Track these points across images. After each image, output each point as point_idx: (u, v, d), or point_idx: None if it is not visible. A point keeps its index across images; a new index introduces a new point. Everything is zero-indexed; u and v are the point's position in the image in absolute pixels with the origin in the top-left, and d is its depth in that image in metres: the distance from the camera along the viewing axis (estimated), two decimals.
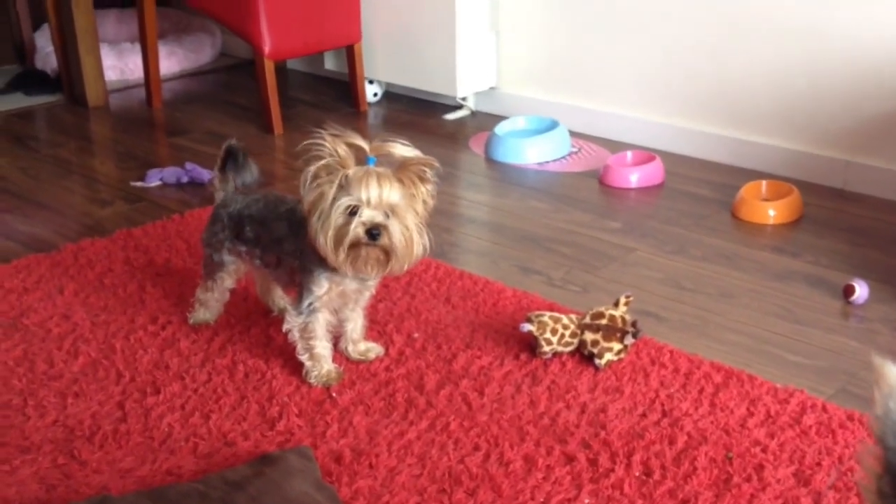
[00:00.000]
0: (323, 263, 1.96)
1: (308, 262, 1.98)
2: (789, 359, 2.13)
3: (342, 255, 1.90)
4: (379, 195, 1.87)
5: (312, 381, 2.04)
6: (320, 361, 2.04)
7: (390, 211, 1.89)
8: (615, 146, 3.37)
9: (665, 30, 3.29)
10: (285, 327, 2.05)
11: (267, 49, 3.61)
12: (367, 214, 1.87)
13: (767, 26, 3.06)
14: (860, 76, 2.90)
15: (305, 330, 2.03)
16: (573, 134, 3.44)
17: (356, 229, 1.87)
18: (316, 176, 1.92)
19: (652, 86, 3.37)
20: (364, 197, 1.87)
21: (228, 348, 2.19)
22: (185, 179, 3.23)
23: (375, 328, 2.25)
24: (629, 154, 3.24)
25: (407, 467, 1.78)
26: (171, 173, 3.24)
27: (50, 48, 4.27)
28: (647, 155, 3.20)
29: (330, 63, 4.20)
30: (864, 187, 2.94)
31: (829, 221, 2.78)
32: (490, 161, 3.37)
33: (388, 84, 4.06)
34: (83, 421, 1.94)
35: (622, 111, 3.46)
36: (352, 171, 1.90)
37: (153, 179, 3.23)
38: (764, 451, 1.81)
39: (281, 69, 4.28)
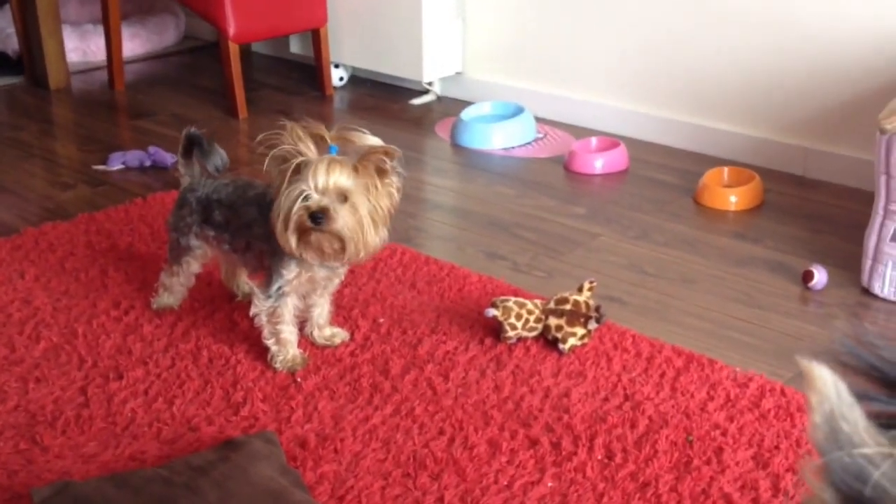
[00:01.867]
0: None
1: (278, 246, 1.98)
2: (749, 343, 2.16)
3: (293, 241, 1.90)
4: (326, 181, 1.87)
5: (278, 365, 2.04)
6: (286, 346, 2.04)
7: (341, 197, 1.89)
8: (580, 132, 3.39)
9: (630, 17, 3.31)
10: (253, 311, 2.05)
11: (231, 31, 3.58)
12: (314, 199, 1.87)
13: (732, 15, 3.08)
14: (821, 65, 2.94)
15: (273, 314, 2.03)
16: (538, 120, 3.46)
17: (298, 212, 1.87)
18: (280, 162, 1.91)
19: (617, 72, 3.39)
20: (312, 183, 1.87)
21: (192, 333, 2.18)
22: (147, 163, 3.20)
23: (341, 313, 2.25)
24: (594, 140, 3.26)
25: (371, 452, 1.79)
26: (133, 157, 3.21)
27: (11, 29, 4.20)
28: (611, 141, 3.23)
29: (295, 46, 4.17)
30: (823, 174, 2.98)
31: (789, 208, 2.83)
32: (456, 146, 3.38)
33: (353, 68, 4.04)
34: (45, 406, 1.92)
35: (587, 97, 3.47)
36: (308, 159, 1.90)
37: (116, 163, 3.20)
38: (724, 434, 1.84)
39: (246, 52, 4.24)
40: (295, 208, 1.88)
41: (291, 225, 1.88)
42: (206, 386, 1.99)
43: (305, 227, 1.88)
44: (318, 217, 1.87)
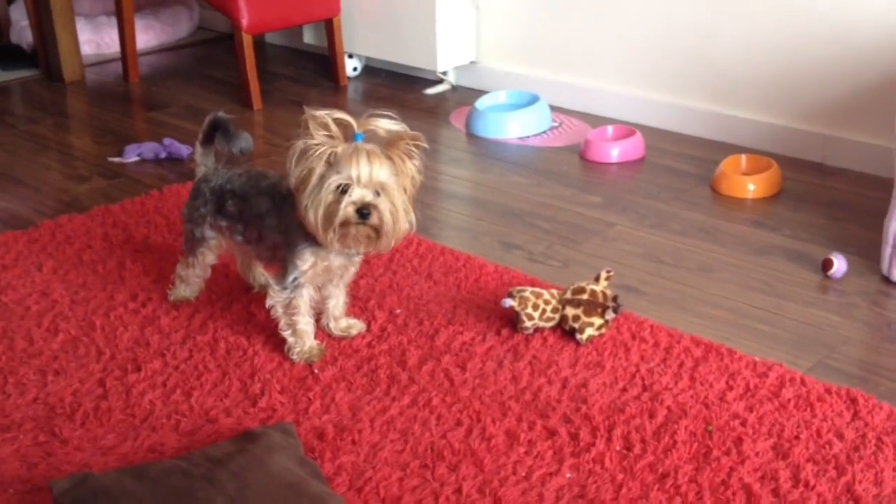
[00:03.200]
0: (308, 238, 1.95)
1: (292, 237, 1.98)
2: (768, 332, 2.15)
3: (332, 234, 1.89)
4: (369, 173, 1.86)
5: (295, 357, 2.04)
6: (303, 337, 2.04)
7: (380, 188, 1.88)
8: (595, 121, 3.37)
9: (646, 4, 3.28)
10: (268, 303, 2.04)
11: (245, 22, 3.57)
12: (358, 194, 1.86)
13: (750, 2, 3.05)
14: (839, 52, 2.91)
15: (289, 306, 2.02)
16: (553, 108, 3.44)
17: (346, 209, 1.86)
18: (304, 152, 1.90)
19: (632, 60, 3.37)
20: (354, 175, 1.86)
21: (209, 325, 2.18)
22: (163, 155, 3.20)
23: (357, 304, 2.25)
24: (609, 129, 3.24)
25: (389, 443, 1.79)
26: (148, 149, 3.21)
27: (25, 22, 4.21)
28: (627, 129, 3.21)
29: (309, 37, 4.16)
30: (842, 161, 2.95)
31: (808, 195, 2.80)
32: (471, 136, 3.36)
33: (367, 58, 4.03)
34: (64, 398, 1.93)
35: (602, 85, 3.45)
36: (340, 147, 1.88)
37: (131, 155, 3.20)
38: (743, 424, 1.82)
39: (259, 43, 4.24)
40: (343, 204, 1.85)
41: (337, 220, 1.87)
42: (224, 377, 1.99)
43: (348, 222, 1.88)
44: (366, 213, 1.86)
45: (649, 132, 3.22)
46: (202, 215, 2.16)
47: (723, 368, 1.99)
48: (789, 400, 1.89)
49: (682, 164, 3.05)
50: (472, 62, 3.78)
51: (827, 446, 1.76)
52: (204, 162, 2.20)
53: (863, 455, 1.73)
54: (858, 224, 2.60)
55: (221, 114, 2.17)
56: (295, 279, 2.00)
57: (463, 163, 3.23)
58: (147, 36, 4.38)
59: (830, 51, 2.92)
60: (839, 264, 2.33)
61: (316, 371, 2.01)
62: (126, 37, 3.97)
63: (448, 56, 3.70)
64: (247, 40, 3.59)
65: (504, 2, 3.65)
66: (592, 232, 2.64)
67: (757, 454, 1.75)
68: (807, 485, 1.67)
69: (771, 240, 2.56)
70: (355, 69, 4.00)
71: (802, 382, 1.94)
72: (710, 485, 1.67)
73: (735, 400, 1.89)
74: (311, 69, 4.09)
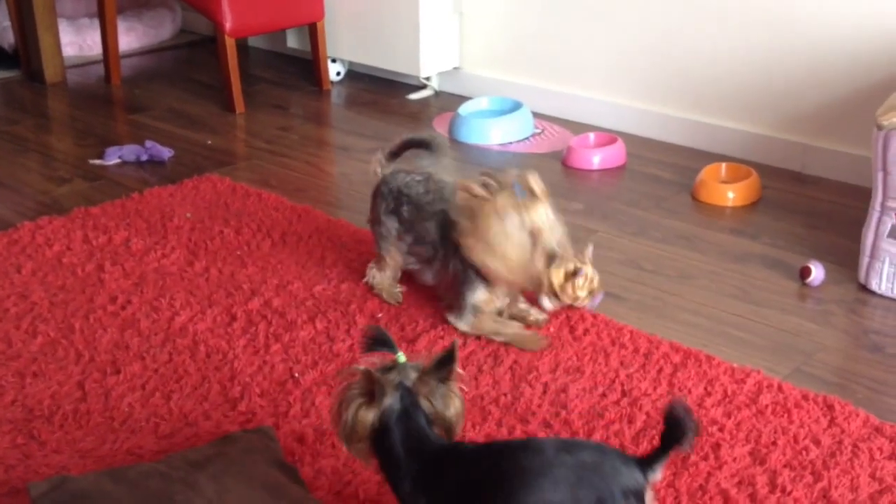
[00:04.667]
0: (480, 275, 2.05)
1: (468, 271, 2.06)
2: (746, 339, 2.16)
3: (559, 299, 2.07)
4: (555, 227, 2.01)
5: (533, 347, 2.08)
6: (515, 332, 2.11)
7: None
8: (578, 128, 3.39)
9: (629, 13, 3.30)
10: (462, 328, 2.12)
11: (228, 26, 3.57)
12: (565, 259, 2.04)
13: (731, 12, 3.08)
14: (819, 62, 2.94)
15: (480, 329, 2.10)
16: (536, 115, 3.45)
17: (559, 273, 2.05)
18: (469, 213, 1.99)
19: (615, 68, 3.39)
20: (554, 240, 2.01)
21: (189, 328, 2.18)
22: (144, 157, 3.19)
23: (339, 308, 2.25)
24: (591, 136, 3.25)
25: None
26: (130, 151, 3.20)
27: (7, 23, 4.18)
28: (609, 137, 3.22)
29: (292, 41, 4.16)
30: (821, 170, 2.98)
31: (787, 204, 2.83)
32: (453, 141, 3.37)
33: (351, 63, 4.03)
34: (42, 401, 1.92)
35: (585, 93, 3.47)
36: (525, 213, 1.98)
37: (112, 157, 3.19)
38: (721, 430, 1.84)
39: (242, 46, 4.23)
40: (560, 272, 2.03)
41: (557, 285, 2.05)
42: (204, 381, 1.99)
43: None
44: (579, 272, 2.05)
45: (631, 140, 3.24)
46: (382, 216, 2.22)
47: (701, 375, 2.00)
48: (767, 406, 1.91)
49: (662, 171, 3.07)
50: (455, 68, 3.79)
51: (804, 452, 1.78)
52: (385, 167, 2.27)
53: (839, 461, 1.75)
54: (836, 233, 2.62)
55: (420, 135, 2.27)
56: (474, 307, 2.09)
57: (445, 169, 3.23)
58: (129, 38, 4.37)
59: (810, 61, 2.95)
60: (817, 272, 2.36)
61: (297, 375, 2.01)
62: (108, 39, 3.95)
63: (431, 62, 3.71)
64: (230, 43, 3.58)
65: (488, 9, 3.66)
66: (574, 239, 2.63)
67: (734, 460, 1.76)
68: (784, 490, 1.69)
69: (750, 247, 2.58)
70: (338, 73, 4.00)
71: (780, 389, 1.95)
72: (687, 490, 1.69)
73: (713, 406, 1.91)
74: (294, 73, 4.09)
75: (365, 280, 2.32)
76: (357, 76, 4.02)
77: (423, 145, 2.27)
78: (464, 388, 1.43)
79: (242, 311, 2.24)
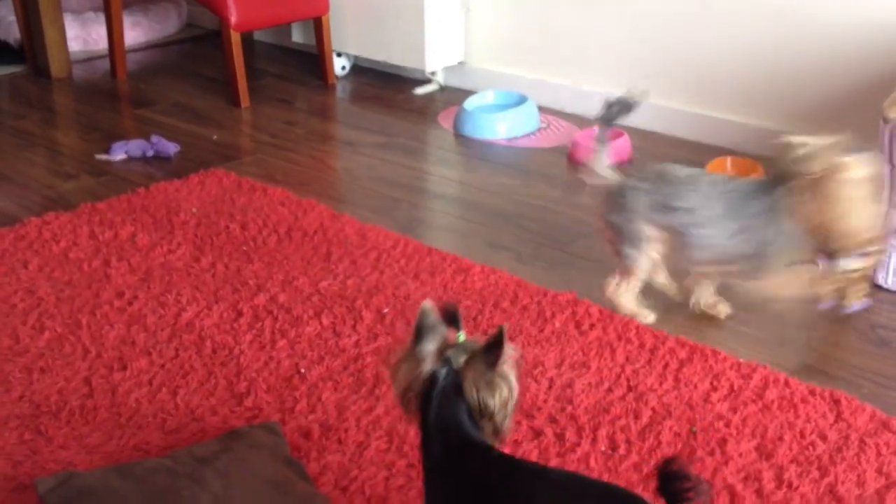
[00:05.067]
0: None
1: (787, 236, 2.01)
2: (752, 334, 2.16)
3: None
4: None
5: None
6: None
7: None
8: (583, 122, 3.38)
9: (634, 7, 3.29)
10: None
11: (233, 20, 3.57)
12: None
13: (736, 4, 3.07)
14: (825, 55, 2.92)
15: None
16: (542, 109, 3.45)
17: None
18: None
19: (620, 62, 3.38)
20: None
21: (196, 324, 2.18)
22: (150, 152, 3.19)
23: (344, 304, 2.25)
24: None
25: (375, 442, 1.79)
26: (136, 146, 3.20)
27: (12, 18, 4.19)
28: (614, 131, 3.21)
29: (297, 35, 4.15)
30: None
31: None
32: (459, 136, 3.37)
33: (356, 57, 4.03)
34: (49, 396, 1.92)
35: (591, 87, 3.46)
36: None
37: (118, 152, 3.19)
38: (727, 425, 1.84)
39: (247, 40, 4.23)
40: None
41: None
42: (210, 376, 1.99)
43: None
44: None
45: (636, 134, 3.23)
46: (633, 222, 2.11)
47: (707, 369, 2.00)
48: (773, 401, 1.90)
49: None
50: (460, 62, 3.78)
51: (810, 447, 1.78)
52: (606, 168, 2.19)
53: (845, 456, 1.75)
54: None
55: (621, 97, 2.16)
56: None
57: (451, 163, 3.23)
58: (135, 32, 4.37)
59: (816, 54, 2.94)
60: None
61: (303, 371, 2.01)
62: (114, 33, 3.95)
63: (437, 56, 3.71)
64: (235, 38, 3.58)
65: (493, 3, 3.65)
66: (580, 233, 2.65)
67: (741, 455, 1.76)
68: (790, 485, 1.68)
69: None
70: (344, 68, 4.00)
71: (786, 384, 1.95)
72: None
73: (719, 401, 1.91)
74: (299, 67, 4.09)
75: (608, 296, 2.17)
76: (362, 71, 4.02)
77: (621, 106, 2.17)
78: (514, 376, 1.33)
79: (248, 306, 2.24)
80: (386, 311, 2.23)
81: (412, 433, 1.80)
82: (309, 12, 3.81)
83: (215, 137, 3.38)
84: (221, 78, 3.84)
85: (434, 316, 1.34)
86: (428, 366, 1.31)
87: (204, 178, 2.96)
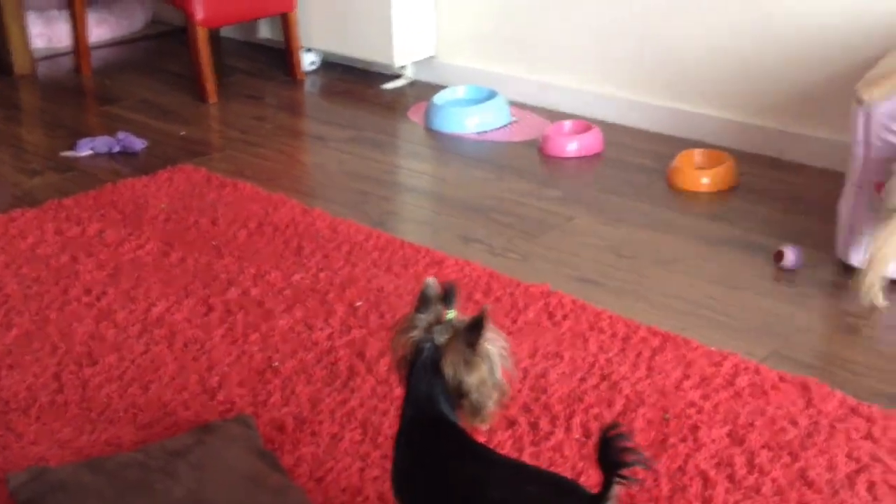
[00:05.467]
0: None
1: None
2: (724, 322, 2.18)
3: None
4: None
5: None
6: None
7: None
8: (554, 116, 3.39)
9: (603, 0, 3.31)
10: None
11: (199, 16, 3.54)
12: None
13: None
14: (794, 47, 2.95)
15: None
16: (512, 103, 3.45)
17: None
18: None
19: (590, 56, 3.39)
20: None
21: (166, 319, 2.16)
22: (116, 149, 3.16)
23: (316, 297, 2.24)
24: (568, 123, 3.26)
25: (349, 434, 1.78)
26: (102, 142, 3.17)
27: None
28: (585, 124, 3.23)
29: (265, 31, 4.13)
30: (798, 156, 3.00)
31: (764, 189, 2.84)
32: (429, 131, 3.37)
33: (325, 53, 4.01)
34: (18, 393, 1.90)
35: (560, 81, 3.47)
36: None
37: (84, 149, 3.15)
38: (699, 412, 1.85)
39: (214, 36, 4.19)
40: None
41: None
42: (182, 371, 1.97)
43: None
44: None
45: (607, 127, 3.25)
46: None
47: (679, 358, 2.01)
48: (744, 388, 1.92)
49: (639, 158, 3.08)
50: (430, 57, 3.78)
51: (781, 433, 1.79)
52: None
53: (816, 441, 1.77)
54: (813, 217, 2.64)
55: None
56: None
57: (422, 157, 3.23)
58: (100, 30, 4.32)
59: (785, 47, 2.97)
60: (792, 256, 2.37)
61: (276, 364, 2.00)
62: (78, 30, 3.91)
63: (406, 51, 3.70)
64: (201, 34, 3.55)
65: None
66: (552, 225, 2.66)
67: (713, 441, 1.77)
68: (761, 470, 1.70)
69: (726, 232, 2.60)
70: (313, 63, 3.98)
71: (757, 371, 1.97)
72: (667, 471, 1.70)
73: (691, 388, 1.92)
74: (268, 63, 4.06)
75: (875, 245, 2.06)
76: (331, 66, 4.00)
77: None
78: (507, 359, 1.36)
79: (220, 301, 2.23)
80: (359, 303, 2.23)
81: (386, 424, 1.80)
82: (276, 8, 3.78)
83: (183, 133, 3.35)
84: (188, 74, 3.81)
85: (435, 290, 1.36)
86: (417, 336, 1.33)
87: (172, 174, 2.94)
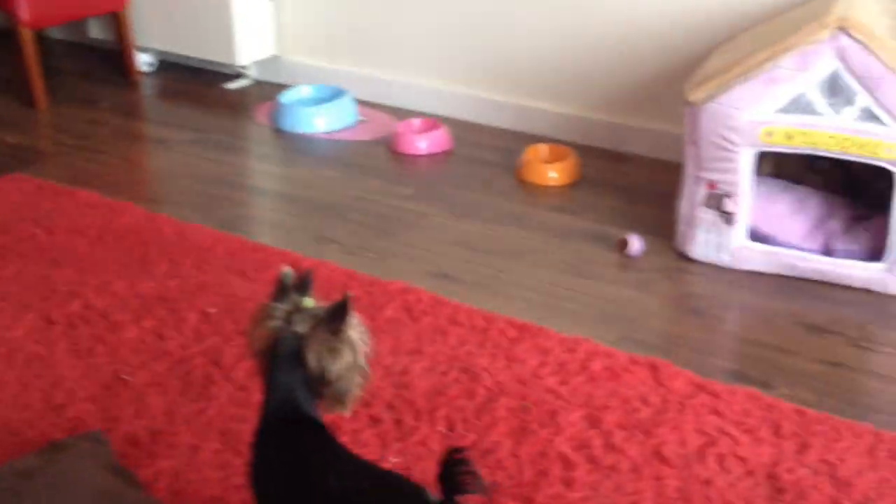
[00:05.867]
0: None
1: None
2: (576, 310, 2.24)
3: None
4: None
5: None
6: None
7: None
8: (402, 114, 3.40)
9: None
10: None
11: (24, 16, 3.35)
12: None
13: None
14: (628, 43, 3.07)
15: None
16: (360, 102, 3.44)
17: None
18: None
19: (435, 54, 3.42)
20: None
21: (3, 336, 2.03)
22: None
23: (166, 305, 2.16)
24: (417, 121, 3.27)
25: (208, 444, 1.73)
26: None
27: None
28: (433, 122, 3.26)
29: (95, 31, 3.95)
30: (635, 148, 3.13)
31: (605, 181, 2.94)
32: (277, 131, 3.31)
33: (163, 53, 3.87)
34: None
35: (407, 79, 3.49)
36: None
37: None
38: (557, 397, 1.90)
39: (42, 38, 3.97)
40: None
41: None
42: (25, 389, 1.86)
43: None
44: None
45: (455, 124, 3.29)
46: None
47: (536, 346, 2.06)
48: (598, 372, 1.98)
49: (487, 154, 3.14)
50: (273, 56, 3.71)
51: (634, 412, 1.86)
52: None
53: (667, 419, 1.85)
54: (652, 205, 2.75)
55: None
56: None
57: (271, 158, 3.17)
58: None
59: (620, 43, 3.09)
60: (635, 243, 2.47)
61: (125, 377, 1.91)
62: None
63: (248, 50, 3.62)
64: (27, 35, 3.37)
65: None
66: (406, 223, 2.66)
67: (571, 424, 1.82)
68: (618, 450, 1.76)
69: (573, 224, 2.68)
70: (149, 64, 3.84)
71: (609, 355, 2.04)
72: (529, 457, 1.73)
73: (549, 375, 1.97)
74: (101, 65, 3.88)
75: None
76: (170, 66, 3.87)
77: None
78: (366, 343, 1.34)
79: (61, 314, 2.11)
80: (212, 310, 2.16)
81: (246, 431, 1.76)
82: (105, 6, 3.63)
83: (11, 141, 3.16)
84: (15, 78, 3.59)
85: (291, 279, 1.34)
86: (276, 326, 1.30)
87: (1, 184, 2.76)
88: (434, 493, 1.18)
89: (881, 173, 2.26)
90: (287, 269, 1.35)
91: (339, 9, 3.55)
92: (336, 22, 3.57)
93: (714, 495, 1.65)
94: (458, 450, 1.16)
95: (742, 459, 1.73)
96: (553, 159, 3.00)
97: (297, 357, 1.29)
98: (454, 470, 1.15)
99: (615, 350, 2.05)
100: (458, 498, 1.14)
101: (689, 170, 2.40)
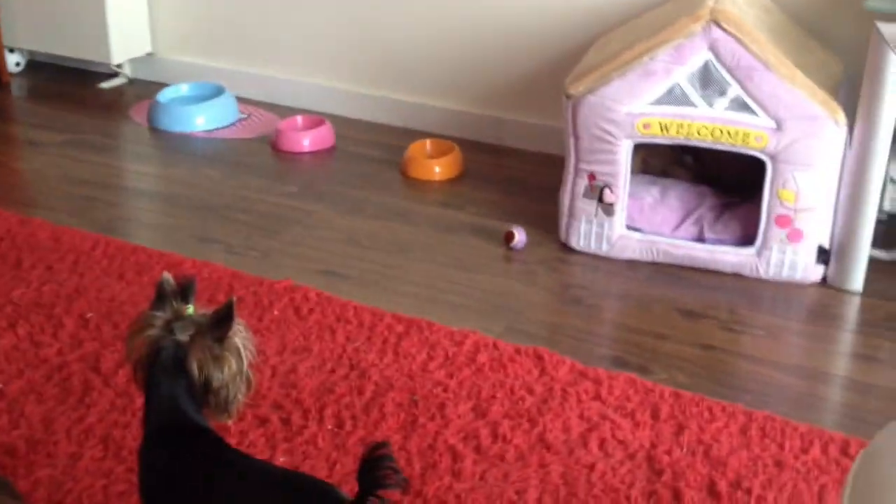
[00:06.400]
0: None
1: None
2: (462, 304, 2.27)
3: None
4: None
5: None
6: None
7: None
8: (284, 111, 3.37)
9: None
10: None
11: None
12: None
13: None
14: (507, 39, 3.13)
15: None
16: (241, 100, 3.39)
17: None
18: None
19: (316, 50, 3.40)
20: None
21: None
22: None
23: (42, 311, 2.09)
24: (299, 119, 3.25)
25: (89, 451, 1.69)
26: None
27: None
28: (316, 119, 3.24)
29: None
30: (517, 142, 3.18)
31: (487, 175, 2.99)
32: (154, 130, 3.23)
33: (32, 52, 3.73)
34: None
35: (288, 76, 3.45)
36: None
37: None
38: (445, 390, 1.92)
39: None
40: None
41: None
42: None
43: None
44: None
45: (337, 121, 3.28)
46: None
47: (424, 341, 2.08)
48: (485, 363, 2.02)
49: (371, 150, 3.14)
50: (148, 54, 3.62)
51: (520, 402, 1.91)
52: None
53: (551, 406, 1.89)
54: (534, 198, 2.81)
55: None
56: None
57: (149, 158, 3.09)
58: None
59: (499, 39, 3.14)
60: (520, 236, 2.52)
61: (0, 386, 1.85)
62: None
63: (122, 48, 3.52)
64: None
65: None
66: (291, 221, 2.65)
67: (459, 416, 1.85)
68: (504, 439, 1.80)
69: (458, 218, 2.71)
70: (18, 64, 3.69)
71: (495, 346, 2.08)
72: (418, 450, 1.75)
73: (437, 368, 1.99)
74: None
75: None
76: (40, 66, 3.73)
77: None
78: (251, 349, 1.31)
79: None
80: (90, 315, 2.10)
81: (129, 437, 1.72)
82: None
83: None
84: None
85: (171, 285, 1.30)
86: (155, 334, 1.27)
87: None
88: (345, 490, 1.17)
89: (738, 163, 2.37)
90: (167, 276, 1.32)
91: (217, 4, 3.49)
92: (214, 18, 3.51)
93: (596, 479, 1.70)
94: (379, 445, 1.15)
95: (623, 443, 1.80)
96: (436, 154, 3.03)
97: (179, 366, 1.27)
98: (374, 465, 1.14)
99: (501, 341, 2.09)
100: (378, 493, 1.13)
101: (571, 162, 2.46)
